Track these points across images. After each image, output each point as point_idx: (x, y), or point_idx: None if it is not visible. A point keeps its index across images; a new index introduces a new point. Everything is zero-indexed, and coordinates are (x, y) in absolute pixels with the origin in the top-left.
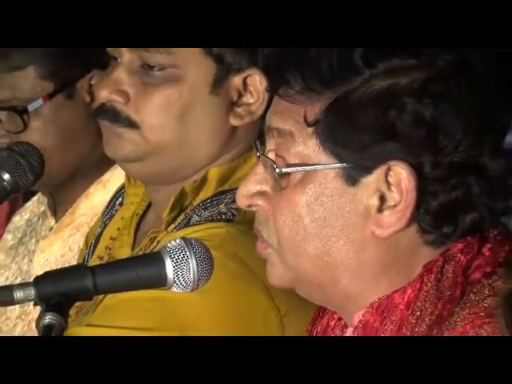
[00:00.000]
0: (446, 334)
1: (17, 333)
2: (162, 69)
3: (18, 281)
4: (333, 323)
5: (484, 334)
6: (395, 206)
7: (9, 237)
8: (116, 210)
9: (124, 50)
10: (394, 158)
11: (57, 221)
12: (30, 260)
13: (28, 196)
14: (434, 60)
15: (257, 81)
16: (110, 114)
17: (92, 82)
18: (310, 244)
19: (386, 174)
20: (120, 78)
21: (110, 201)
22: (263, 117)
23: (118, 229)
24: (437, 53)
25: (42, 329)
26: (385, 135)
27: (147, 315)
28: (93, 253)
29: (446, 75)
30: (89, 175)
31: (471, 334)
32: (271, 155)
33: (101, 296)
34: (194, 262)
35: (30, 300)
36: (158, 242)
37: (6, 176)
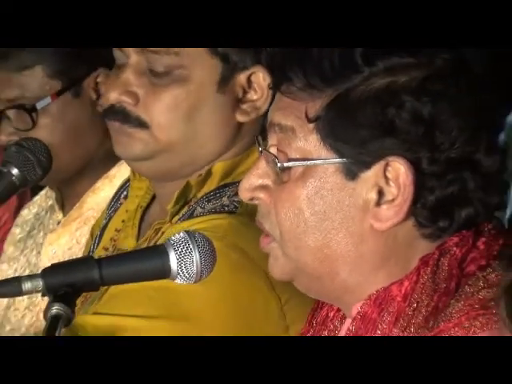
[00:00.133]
0: (442, 326)
1: (25, 323)
2: (170, 70)
3: (27, 273)
4: (332, 314)
5: (478, 325)
6: (393, 200)
7: (17, 230)
8: (121, 203)
9: (131, 52)
10: (392, 154)
11: (64, 215)
12: (38, 253)
13: (36, 190)
14: (432, 59)
15: (260, 77)
16: (121, 114)
17: (98, 80)
18: (311, 236)
19: (385, 169)
20: (129, 80)
21: (115, 194)
22: (265, 113)
23: (123, 221)
24: (435, 52)
25: (50, 319)
26: (384, 131)
27: (151, 303)
28: (98, 244)
29: (443, 74)
30: (96, 170)
31: (466, 325)
32: (273, 150)
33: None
34: (197, 254)
35: (37, 291)
36: (163, 233)
37: (15, 171)
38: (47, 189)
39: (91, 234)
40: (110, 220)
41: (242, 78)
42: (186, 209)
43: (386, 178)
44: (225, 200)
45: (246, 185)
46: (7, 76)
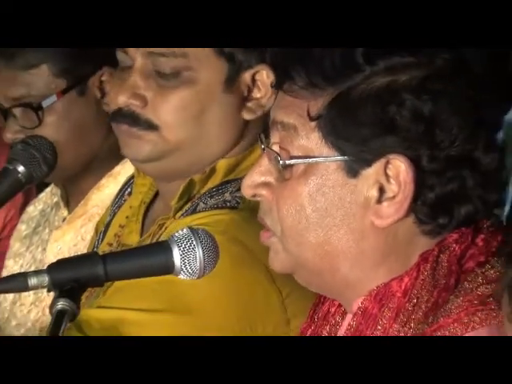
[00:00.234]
0: (441, 321)
1: (31, 318)
2: (177, 72)
3: (32, 268)
4: (333, 309)
5: (477, 320)
6: (394, 197)
7: (23, 227)
8: (125, 200)
9: (137, 55)
10: (393, 152)
11: (69, 212)
12: (44, 249)
13: (41, 187)
14: (432, 59)
15: (264, 75)
16: (129, 118)
17: (103, 79)
18: (312, 233)
19: (386, 167)
20: (136, 83)
21: (120, 191)
22: (268, 111)
23: (127, 217)
24: (435, 52)
25: (55, 314)
26: (384, 130)
27: (155, 297)
28: (102, 239)
29: (443, 74)
30: (100, 168)
31: (465, 320)
32: (275, 148)
33: None
34: (201, 250)
35: (43, 287)
36: (166, 228)
37: (21, 168)
38: (52, 186)
39: (96, 230)
40: (114, 216)
41: (246, 76)
42: (189, 204)
43: (386, 175)
44: (227, 196)
45: (249, 182)
46: (13, 74)
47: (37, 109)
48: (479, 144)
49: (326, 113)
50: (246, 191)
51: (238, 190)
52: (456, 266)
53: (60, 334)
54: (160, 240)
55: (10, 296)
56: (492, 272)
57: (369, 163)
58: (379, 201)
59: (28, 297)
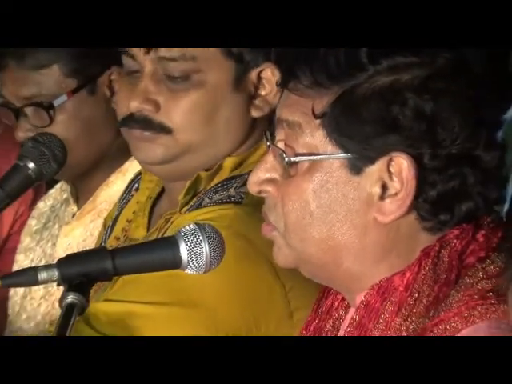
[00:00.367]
0: (442, 315)
1: (41, 312)
2: (188, 76)
3: (43, 263)
4: (336, 303)
5: (477, 314)
6: (396, 194)
7: (33, 222)
8: (132, 195)
9: (146, 61)
10: (395, 150)
11: (79, 208)
12: (54, 244)
13: (51, 184)
14: (434, 59)
15: (269, 73)
16: (142, 122)
17: (112, 78)
18: (316, 228)
19: (388, 164)
20: (147, 88)
21: (127, 187)
22: (274, 110)
23: (134, 212)
24: (437, 52)
25: (65, 307)
26: (387, 128)
27: (161, 291)
28: (110, 234)
29: (445, 73)
30: (109, 165)
31: (465, 314)
32: (281, 145)
33: None
34: (207, 246)
35: (53, 281)
36: (173, 222)
37: (31, 165)
38: (62, 182)
39: (104, 225)
40: (121, 211)
41: (253, 75)
42: (194, 199)
43: (389, 172)
44: (231, 191)
45: (255, 178)
46: (25, 75)
47: (48, 108)
48: (480, 142)
49: (331, 111)
50: (252, 187)
51: (243, 185)
52: (457, 262)
53: (69, 327)
54: (167, 234)
55: (21, 290)
56: (492, 267)
57: (372, 161)
58: (382, 197)
59: (38, 291)
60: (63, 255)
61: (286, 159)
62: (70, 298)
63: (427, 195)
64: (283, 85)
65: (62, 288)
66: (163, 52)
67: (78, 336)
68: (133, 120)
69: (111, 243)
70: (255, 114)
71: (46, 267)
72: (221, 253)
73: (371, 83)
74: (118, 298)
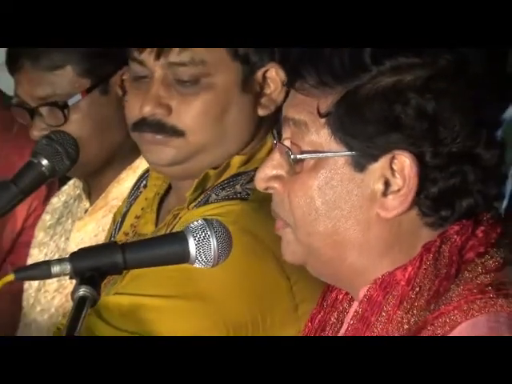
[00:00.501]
0: (442, 308)
1: (55, 304)
2: (197, 79)
3: (56, 257)
4: (341, 297)
5: (476, 308)
6: (398, 190)
7: (47, 217)
8: (141, 192)
9: (156, 67)
10: (398, 148)
11: (91, 204)
12: (67, 238)
13: (64, 180)
14: (435, 59)
15: (273, 73)
16: (155, 126)
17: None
18: (321, 224)
19: (391, 162)
20: (158, 93)
21: (135, 183)
22: (280, 109)
23: (142, 208)
24: (438, 52)
25: (77, 300)
26: (390, 127)
27: (170, 284)
28: (119, 229)
29: (446, 73)
30: (120, 162)
31: (465, 308)
32: (287, 143)
33: None
34: (215, 240)
35: (65, 274)
36: (180, 218)
37: (45, 162)
38: (75, 179)
39: (113, 220)
40: (130, 207)
41: (258, 75)
42: (201, 196)
43: (392, 170)
44: (238, 188)
45: (262, 175)
46: (39, 75)
47: (63, 107)
48: (480, 141)
49: (335, 110)
50: (259, 184)
51: (249, 182)
52: (457, 257)
53: (81, 320)
54: (175, 230)
55: (35, 283)
56: (491, 262)
57: (375, 158)
58: (385, 194)
59: (52, 284)
60: (76, 249)
61: (292, 157)
62: (82, 290)
63: (429, 192)
64: (290, 84)
65: (74, 281)
66: (173, 57)
67: (78, 336)
68: (145, 124)
69: (120, 238)
70: (261, 112)
71: (59, 261)
72: (228, 247)
73: (374, 83)
74: (127, 292)
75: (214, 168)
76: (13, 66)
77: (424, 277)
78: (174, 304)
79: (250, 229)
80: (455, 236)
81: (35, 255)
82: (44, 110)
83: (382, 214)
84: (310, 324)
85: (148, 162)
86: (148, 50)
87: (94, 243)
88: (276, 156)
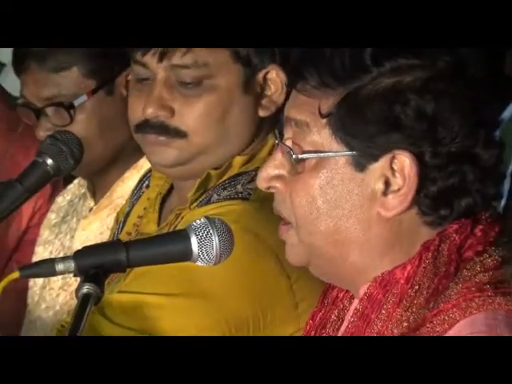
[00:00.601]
0: (441, 306)
1: (59, 302)
2: (200, 81)
3: (61, 255)
4: (341, 295)
5: (475, 306)
6: (398, 190)
7: (52, 216)
8: (143, 192)
9: (159, 69)
10: (398, 148)
11: (96, 202)
12: (72, 237)
13: (69, 179)
14: (435, 61)
15: (274, 74)
16: (158, 128)
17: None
18: (323, 223)
19: (391, 162)
20: (161, 95)
21: (138, 184)
22: (283, 109)
23: (145, 208)
24: (437, 54)
25: (81, 297)
26: (390, 127)
27: (172, 282)
28: (122, 229)
29: (445, 75)
30: (124, 162)
31: (463, 306)
32: (289, 143)
33: None
34: (217, 239)
35: (70, 272)
36: (183, 218)
37: (50, 161)
38: (80, 178)
39: (116, 220)
40: (132, 207)
41: (259, 76)
42: (203, 196)
43: (392, 169)
44: (239, 187)
45: (264, 175)
46: (45, 76)
47: (69, 107)
48: (479, 141)
49: (336, 111)
50: (261, 183)
51: (250, 182)
52: (456, 255)
53: (85, 317)
54: (178, 229)
55: (40, 281)
56: (489, 260)
57: (375, 158)
58: (385, 193)
59: (57, 281)
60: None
61: (294, 156)
62: (86, 288)
63: (428, 191)
64: (291, 85)
65: (79, 279)
66: (176, 60)
67: (78, 336)
68: (148, 126)
69: (123, 237)
70: (263, 113)
71: (63, 259)
72: (230, 246)
73: (375, 84)
74: (131, 290)
75: (216, 168)
76: (19, 67)
77: (423, 275)
78: (176, 302)
79: (252, 228)
80: (454, 235)
81: (40, 253)
82: (50, 111)
83: (383, 213)
84: (311, 321)
85: (151, 162)
86: (151, 52)
87: (98, 241)
88: (278, 156)
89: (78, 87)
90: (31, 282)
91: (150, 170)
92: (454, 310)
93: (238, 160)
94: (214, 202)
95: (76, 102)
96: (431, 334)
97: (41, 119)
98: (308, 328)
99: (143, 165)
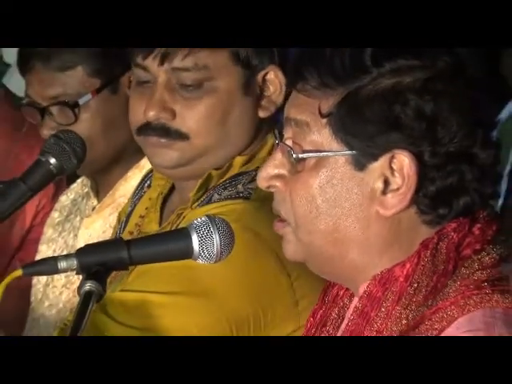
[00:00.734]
0: (440, 304)
1: (62, 299)
2: (201, 84)
3: (64, 253)
4: (341, 292)
5: (473, 303)
6: (398, 189)
7: (56, 214)
8: (144, 192)
9: (160, 72)
10: (397, 147)
11: (99, 201)
12: (75, 235)
13: (73, 178)
14: (434, 62)
15: (272, 75)
16: (160, 130)
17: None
18: (322, 221)
19: (390, 161)
20: (163, 97)
21: (140, 183)
22: (281, 109)
23: (147, 208)
24: (437, 55)
25: (83, 295)
26: (390, 127)
27: (174, 281)
28: (124, 228)
29: (444, 75)
30: (127, 161)
31: (461, 303)
32: (289, 142)
33: None
34: (218, 237)
35: (72, 270)
36: (184, 217)
37: (53, 160)
38: (83, 177)
39: (118, 220)
40: (134, 207)
41: (259, 77)
42: (204, 195)
43: (391, 169)
44: (240, 187)
45: (264, 174)
46: (50, 75)
47: (73, 106)
48: (477, 141)
49: (336, 111)
50: (261, 182)
51: (250, 181)
52: (454, 253)
53: (87, 314)
54: (179, 227)
55: (44, 279)
56: (487, 259)
57: (375, 157)
58: (384, 192)
59: (60, 280)
60: None
61: (294, 156)
62: (88, 285)
63: (427, 190)
64: (291, 86)
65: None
66: (177, 63)
67: (79, 336)
68: (150, 128)
69: (125, 237)
70: (262, 114)
71: (66, 257)
72: (230, 244)
73: (375, 85)
74: (133, 288)
75: (217, 169)
76: (24, 66)
77: (422, 273)
78: (178, 300)
79: (252, 227)
80: (452, 233)
81: (44, 251)
82: (54, 110)
83: (382, 211)
84: (311, 319)
85: (152, 164)
86: (151, 55)
87: (101, 240)
88: (278, 155)
89: (82, 86)
90: (34, 279)
91: (151, 170)
92: (453, 307)
93: (239, 160)
94: (215, 202)
95: (81, 101)
96: (430, 332)
97: (45, 118)
98: (309, 326)
99: (145, 164)
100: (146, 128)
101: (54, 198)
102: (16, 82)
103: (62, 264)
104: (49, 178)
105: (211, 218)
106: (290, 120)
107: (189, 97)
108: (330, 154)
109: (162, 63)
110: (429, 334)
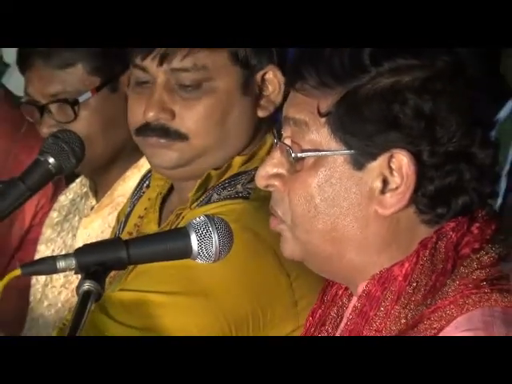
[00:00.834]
0: (439, 303)
1: (61, 299)
2: (200, 84)
3: (63, 253)
4: (340, 292)
5: (471, 302)
6: (396, 188)
7: (55, 214)
8: (143, 192)
9: (159, 72)
10: (396, 146)
11: (97, 201)
12: (74, 235)
13: (72, 178)
14: (433, 61)
15: (271, 75)
16: (159, 131)
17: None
18: (320, 221)
19: (389, 161)
20: (162, 98)
21: (138, 184)
22: (280, 109)
23: (146, 208)
24: (436, 54)
25: (81, 294)
26: (388, 126)
27: (173, 280)
28: (123, 229)
29: (443, 75)
30: (126, 161)
31: (460, 302)
32: (287, 142)
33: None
34: (216, 236)
35: (71, 269)
36: (183, 218)
37: (51, 160)
38: (82, 177)
39: (117, 220)
40: (133, 207)
41: (257, 77)
42: (203, 196)
43: (390, 168)
44: (239, 187)
45: (263, 173)
46: (50, 73)
47: (73, 104)
48: (475, 140)
49: (335, 110)
50: (260, 182)
51: (249, 181)
52: (453, 253)
53: (85, 314)
54: (178, 226)
55: (42, 278)
56: (486, 258)
57: (374, 157)
58: (383, 192)
59: (59, 279)
60: None
61: (293, 155)
62: (87, 285)
63: (426, 190)
64: (290, 85)
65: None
66: (176, 63)
67: (78, 336)
68: (149, 129)
69: (124, 237)
70: (261, 114)
71: (65, 256)
72: (229, 243)
73: (373, 84)
74: (132, 288)
75: (216, 169)
76: (24, 63)
77: (421, 272)
78: (177, 300)
79: (251, 227)
80: (451, 232)
81: (43, 251)
82: (53, 107)
83: (380, 211)
84: (310, 318)
85: (152, 165)
86: (150, 56)
87: (100, 239)
88: (276, 155)
89: (82, 84)
90: (33, 279)
91: (150, 170)
92: (451, 306)
93: (238, 160)
94: (214, 202)
95: (81, 99)
96: (429, 331)
97: (44, 116)
98: (308, 325)
99: (144, 164)
100: (146, 128)
101: (53, 197)
102: (15, 82)
103: (61, 263)
104: (48, 178)
105: (210, 217)
106: (289, 119)
107: (188, 97)
108: (328, 153)
109: (160, 64)
110: (428, 333)
